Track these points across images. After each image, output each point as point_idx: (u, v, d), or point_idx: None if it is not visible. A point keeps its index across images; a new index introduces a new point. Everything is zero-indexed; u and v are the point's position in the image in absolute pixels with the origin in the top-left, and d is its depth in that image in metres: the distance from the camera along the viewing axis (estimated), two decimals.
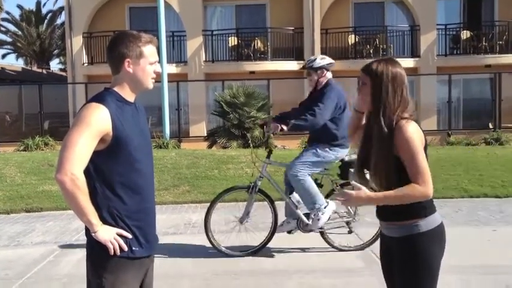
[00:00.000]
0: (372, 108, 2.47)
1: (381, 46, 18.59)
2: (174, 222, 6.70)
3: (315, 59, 5.23)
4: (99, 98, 2.29)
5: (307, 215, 5.14)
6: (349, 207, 5.24)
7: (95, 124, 2.20)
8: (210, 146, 14.08)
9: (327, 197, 5.20)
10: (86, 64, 19.37)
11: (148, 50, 2.34)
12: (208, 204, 5.41)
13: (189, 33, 18.81)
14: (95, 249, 2.28)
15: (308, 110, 5.01)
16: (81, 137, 2.17)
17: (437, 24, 18.76)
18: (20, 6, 43.52)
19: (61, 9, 33.83)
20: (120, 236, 2.27)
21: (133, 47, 2.30)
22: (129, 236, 2.30)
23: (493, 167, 9.28)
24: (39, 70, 34.46)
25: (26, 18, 41.33)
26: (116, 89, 2.35)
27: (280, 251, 5.33)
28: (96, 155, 2.23)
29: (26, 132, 16.68)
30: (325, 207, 5.05)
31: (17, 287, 4.57)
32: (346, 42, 18.91)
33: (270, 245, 5.34)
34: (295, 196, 5.20)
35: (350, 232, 5.36)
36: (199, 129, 17.61)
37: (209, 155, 10.36)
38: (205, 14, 19.67)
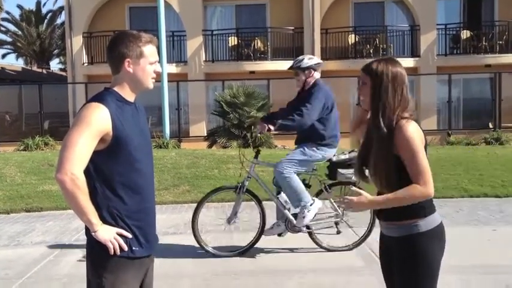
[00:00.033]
0: (372, 108, 2.47)
1: (381, 46, 18.58)
2: (174, 222, 6.70)
3: (303, 59, 5.20)
4: (99, 98, 2.29)
5: (295, 216, 5.12)
6: (337, 207, 5.24)
7: (95, 124, 2.20)
8: (210, 146, 14.09)
9: (315, 196, 5.19)
10: (86, 64, 19.37)
11: (149, 50, 2.34)
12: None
13: (189, 33, 18.81)
14: (95, 249, 2.28)
15: (296, 110, 5.01)
16: (81, 136, 2.17)
17: (437, 24, 18.75)
18: (20, 6, 43.65)
19: (61, 9, 33.85)
20: (120, 235, 2.27)
21: (133, 47, 2.30)
22: (129, 235, 2.30)
23: (493, 167, 9.28)
24: (39, 70, 34.48)
25: (26, 18, 41.33)
26: (116, 88, 2.35)
27: (280, 250, 5.33)
28: (96, 155, 2.23)
29: (26, 132, 16.70)
30: (311, 205, 5.03)
31: (17, 287, 4.57)
32: (346, 42, 18.91)
33: (270, 244, 5.34)
34: (283, 196, 5.18)
35: (338, 232, 5.33)
36: (199, 129, 17.62)
37: (209, 155, 10.37)
38: (205, 14, 19.67)
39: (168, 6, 17.41)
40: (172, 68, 17.91)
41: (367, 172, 2.55)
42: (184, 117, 17.93)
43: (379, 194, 2.51)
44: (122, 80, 2.35)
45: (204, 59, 18.99)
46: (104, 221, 2.26)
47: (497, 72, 16.81)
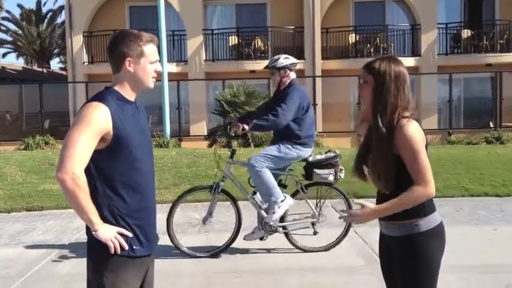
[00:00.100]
0: (372, 106, 2.46)
1: (382, 45, 18.57)
2: (175, 221, 6.68)
3: (278, 59, 5.18)
4: (99, 97, 2.29)
5: (266, 211, 5.08)
6: (312, 208, 5.23)
7: (96, 123, 2.20)
8: (210, 145, 14.08)
9: (291, 197, 5.16)
10: (86, 63, 19.38)
11: (149, 49, 2.34)
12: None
13: (190, 32, 18.80)
14: (96, 248, 2.28)
15: (271, 110, 5.00)
16: (81, 136, 2.17)
17: (438, 23, 18.74)
18: (20, 5, 43.84)
19: (61, 8, 33.87)
20: (121, 234, 2.28)
21: (134, 46, 2.30)
22: (130, 234, 2.30)
23: (494, 166, 9.28)
24: (40, 69, 34.45)
25: (26, 17, 41.35)
26: (116, 88, 2.35)
27: (281, 250, 5.33)
28: (97, 154, 2.23)
29: (27, 131, 16.70)
30: (282, 201, 5.00)
31: (17, 286, 4.57)
32: (346, 41, 18.89)
33: (271, 244, 5.34)
34: (259, 196, 5.16)
35: (315, 233, 5.31)
36: (200, 128, 17.61)
37: (209, 154, 10.34)
38: (205, 13, 19.67)
39: (168, 5, 17.41)
40: (173, 67, 17.91)
41: (365, 171, 2.54)
42: (184, 116, 17.93)
43: (378, 192, 2.52)
44: (123, 79, 2.35)
45: (204, 58, 18.99)
46: (105, 220, 2.26)
47: (498, 72, 16.81)
